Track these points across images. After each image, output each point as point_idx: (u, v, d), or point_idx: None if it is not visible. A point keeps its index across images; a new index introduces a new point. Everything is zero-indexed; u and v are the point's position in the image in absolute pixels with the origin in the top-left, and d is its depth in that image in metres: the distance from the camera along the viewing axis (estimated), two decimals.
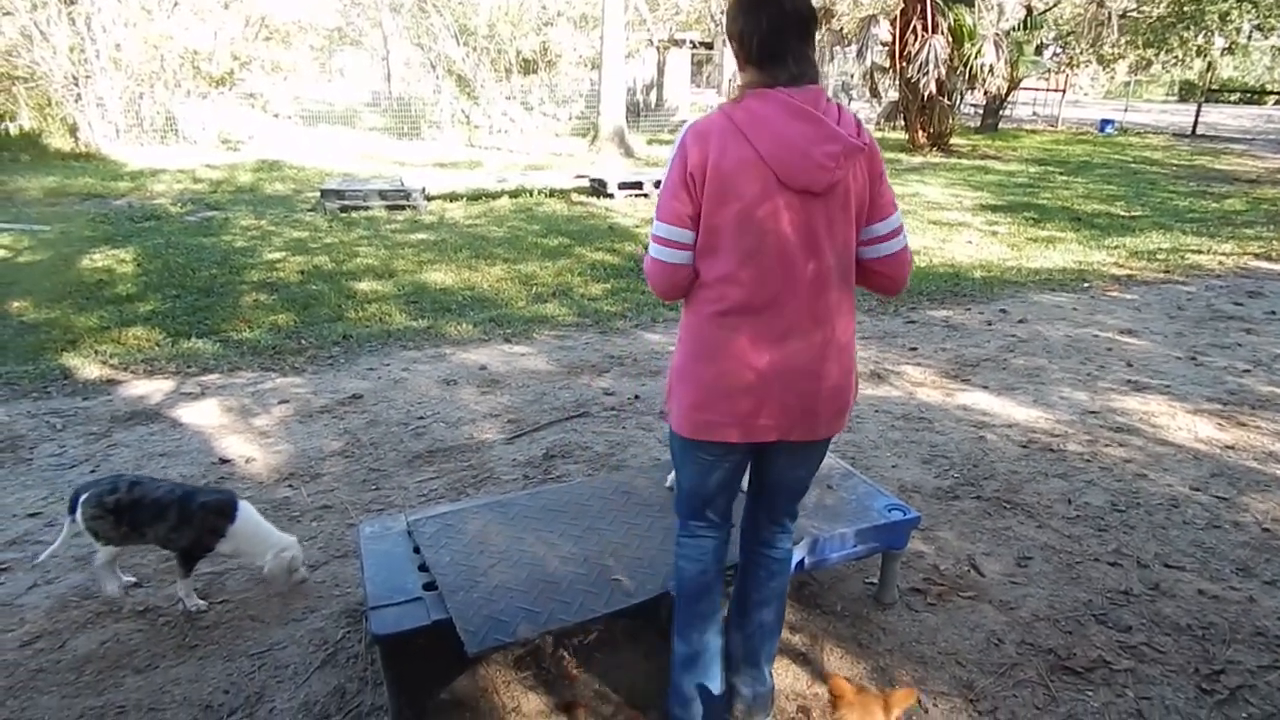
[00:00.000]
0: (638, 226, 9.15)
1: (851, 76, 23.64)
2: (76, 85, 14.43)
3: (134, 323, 5.57)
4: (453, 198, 10.76)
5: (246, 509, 2.63)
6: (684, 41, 25.63)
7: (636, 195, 11.04)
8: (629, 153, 15.66)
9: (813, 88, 1.70)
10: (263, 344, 5.24)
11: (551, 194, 11.21)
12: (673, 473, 2.73)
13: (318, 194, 10.29)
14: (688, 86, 25.71)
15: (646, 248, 2.00)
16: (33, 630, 2.57)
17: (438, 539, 2.49)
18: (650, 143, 17.55)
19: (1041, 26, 20.42)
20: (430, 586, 2.28)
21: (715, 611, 2.03)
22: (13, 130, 14.42)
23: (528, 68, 20.96)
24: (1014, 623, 2.63)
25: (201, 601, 2.66)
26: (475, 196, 10.87)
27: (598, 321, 5.88)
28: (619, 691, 2.31)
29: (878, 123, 19.60)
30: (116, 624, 2.61)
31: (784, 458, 1.92)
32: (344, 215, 9.51)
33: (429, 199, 10.50)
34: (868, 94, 19.37)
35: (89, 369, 4.77)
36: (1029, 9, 19.57)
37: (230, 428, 4.06)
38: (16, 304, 5.91)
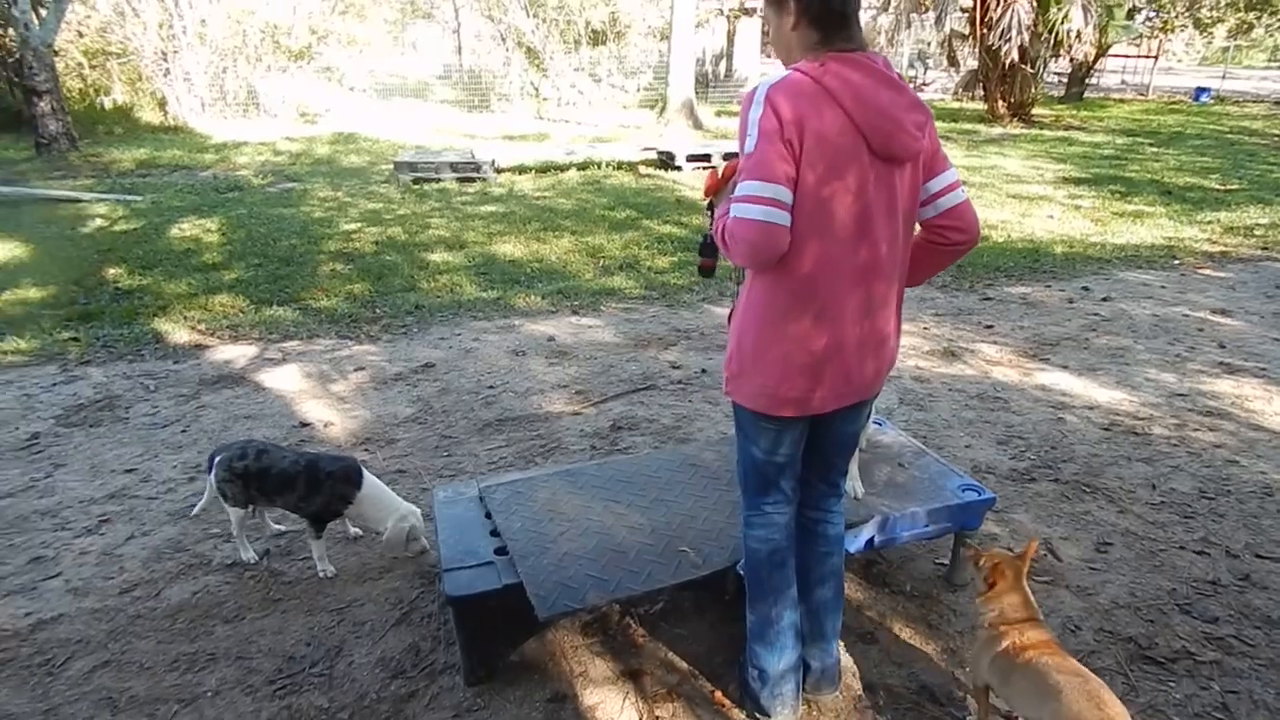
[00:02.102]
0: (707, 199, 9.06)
1: (929, 44, 22.82)
2: (165, 60, 14.98)
3: (220, 290, 5.81)
4: (521, 170, 10.83)
5: (370, 477, 2.70)
6: (755, 10, 25.10)
7: (705, 167, 10.93)
8: (697, 124, 15.50)
9: (877, 54, 1.69)
10: (340, 312, 5.40)
11: (619, 166, 11.19)
12: None
13: (391, 166, 10.49)
14: (758, 57, 25.24)
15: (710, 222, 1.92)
16: (131, 579, 2.72)
17: (509, 505, 2.55)
18: (719, 114, 17.32)
19: None
20: (501, 551, 2.33)
21: (789, 585, 2.02)
22: (107, 104, 15.05)
23: (596, 39, 20.85)
24: (1092, 609, 2.55)
25: (331, 567, 2.74)
26: (544, 169, 10.92)
27: (665, 295, 5.88)
28: (685, 660, 2.34)
29: (955, 92, 18.91)
30: (206, 576, 2.75)
31: (843, 413, 1.90)
32: (416, 187, 9.68)
33: (499, 171, 10.61)
34: (945, 62, 18.70)
35: (179, 334, 4.99)
36: None
37: (309, 393, 4.21)
38: (113, 270, 6.22)
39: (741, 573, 2.14)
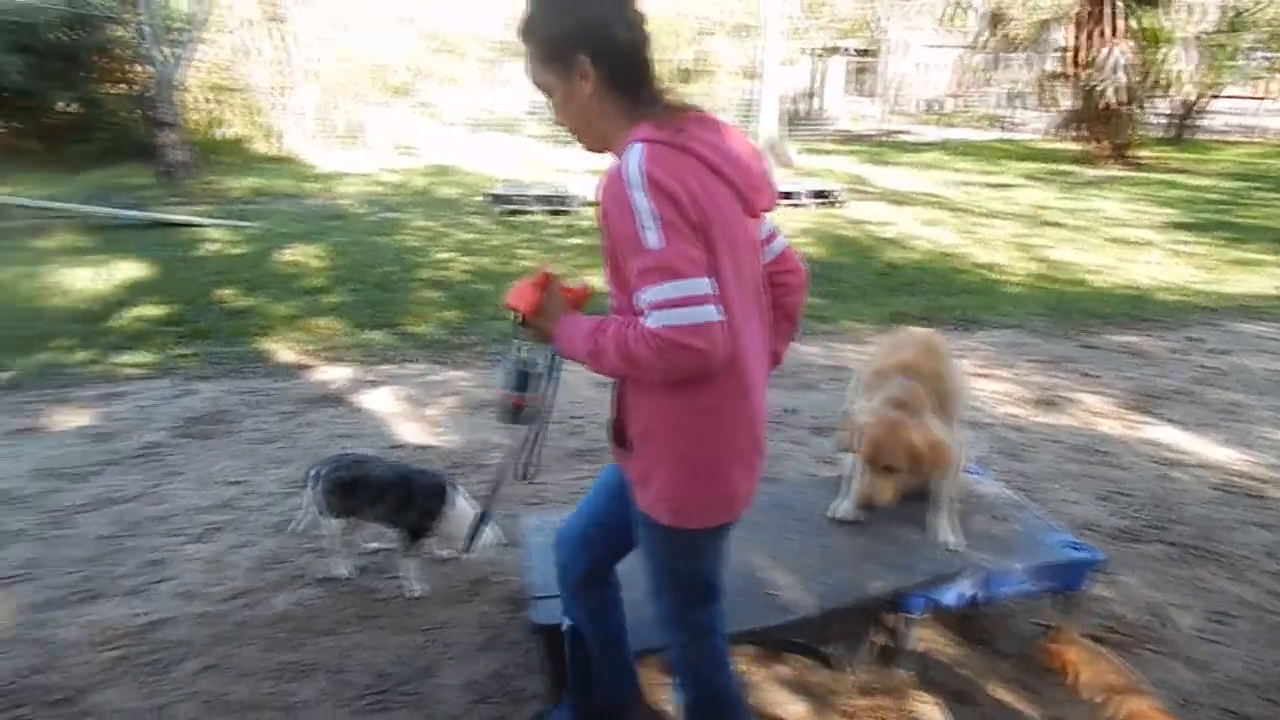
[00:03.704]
0: (792, 237, 9.02)
1: (1023, 85, 22.36)
2: (279, 95, 15.91)
3: (321, 313, 6.07)
4: None
5: (459, 493, 2.78)
6: (842, 49, 25.14)
7: (789, 205, 10.90)
8: (783, 162, 15.51)
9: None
10: (432, 338, 5.57)
11: None
12: (840, 502, 2.67)
13: (483, 198, 10.83)
14: (843, 95, 25.22)
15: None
16: (236, 587, 2.85)
17: None
18: (802, 152, 17.28)
19: (1245, 29, 18.54)
20: None
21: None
22: (224, 136, 16.05)
23: (685, 78, 21.19)
24: (1209, 685, 2.40)
25: (419, 586, 2.80)
26: None
27: None
28: (767, 708, 2.29)
29: (1051, 133, 18.41)
30: (303, 589, 2.85)
31: None
32: (507, 219, 9.96)
33: (586, 205, 10.81)
34: (1040, 103, 18.28)
35: (283, 353, 5.24)
36: (1231, 10, 17.79)
37: (403, 415, 4.34)
38: (225, 292, 6.58)
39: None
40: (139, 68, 14.22)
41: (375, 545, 3.03)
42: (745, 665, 2.44)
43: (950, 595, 2.33)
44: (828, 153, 17.62)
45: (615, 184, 1.39)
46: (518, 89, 23.08)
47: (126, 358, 5.16)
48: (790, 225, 9.76)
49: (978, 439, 4.04)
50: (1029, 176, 14.56)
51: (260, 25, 15.49)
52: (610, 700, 2.09)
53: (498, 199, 10.43)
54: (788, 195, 11.05)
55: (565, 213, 10.33)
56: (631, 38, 1.47)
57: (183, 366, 5.01)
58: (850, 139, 20.73)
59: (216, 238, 8.62)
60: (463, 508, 2.75)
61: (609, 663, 2.04)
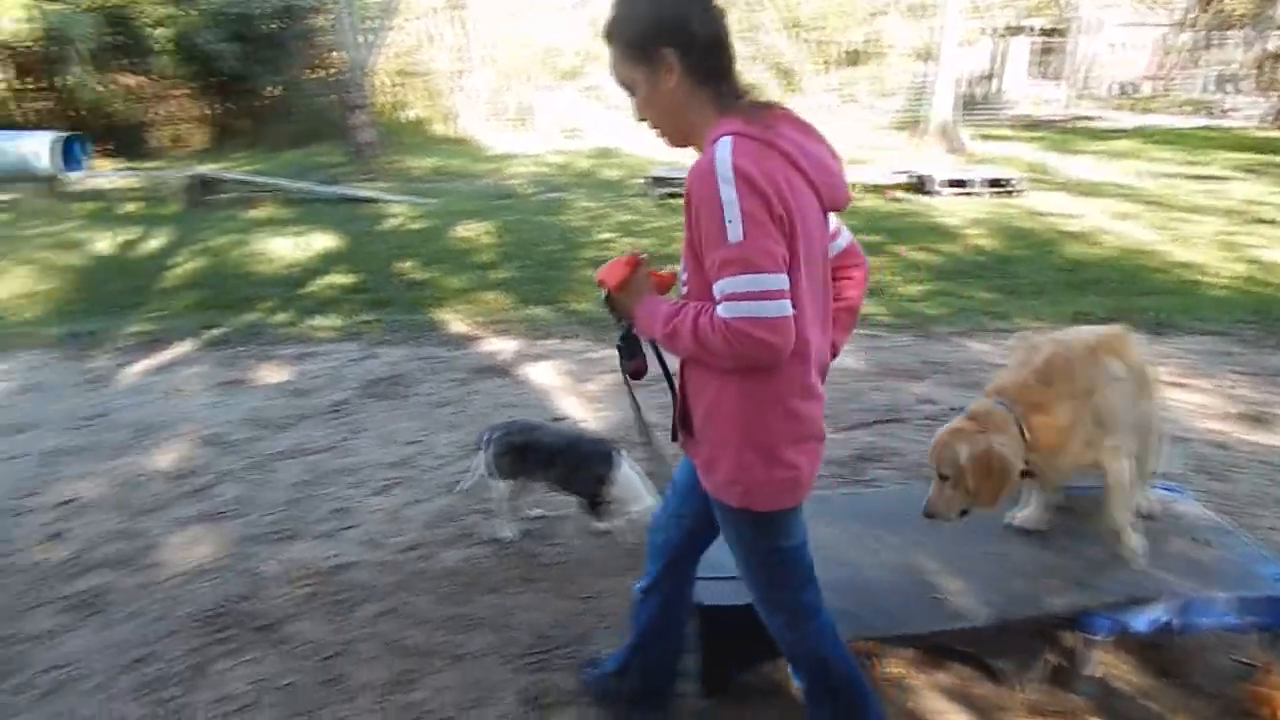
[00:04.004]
0: (963, 227, 8.58)
1: (1237, 66, 20.04)
2: (457, 79, 16.78)
3: (490, 287, 6.38)
4: None
5: (625, 461, 2.87)
6: (1027, 29, 23.47)
7: (961, 194, 10.35)
8: (956, 147, 14.73)
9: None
10: (592, 316, 5.71)
11: (867, 189, 10.88)
12: (1021, 509, 2.53)
13: (644, 181, 10.96)
14: (1026, 78, 23.56)
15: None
16: (413, 539, 3.06)
17: None
18: (976, 138, 16.33)
19: None
20: None
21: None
22: (407, 118, 17.12)
23: (854, 59, 20.51)
24: None
25: (604, 523, 2.91)
26: None
27: (915, 324, 5.62)
28: (927, 715, 2.21)
29: (1270, 120, 16.44)
30: (471, 548, 3.02)
31: None
32: (666, 201, 10.03)
33: None
34: (1257, 87, 16.36)
35: (455, 324, 5.55)
36: None
37: (564, 389, 4.49)
38: (406, 264, 7.04)
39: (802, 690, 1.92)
40: (335, 54, 15.38)
41: (538, 511, 3.16)
42: (904, 669, 2.37)
43: (1141, 620, 2.15)
44: (1006, 138, 16.53)
45: (706, 176, 1.41)
46: None
47: (319, 321, 5.64)
48: (962, 214, 9.28)
49: (1172, 455, 3.69)
50: (1240, 168, 13.06)
51: (443, 12, 16.36)
52: (640, 685, 2.15)
53: (658, 181, 10.53)
54: (960, 183, 10.50)
55: None
56: (713, 30, 1.52)
57: (367, 332, 5.41)
58: (1032, 124, 19.35)
59: (398, 213, 9.22)
60: (627, 474, 2.82)
61: (658, 648, 2.12)
